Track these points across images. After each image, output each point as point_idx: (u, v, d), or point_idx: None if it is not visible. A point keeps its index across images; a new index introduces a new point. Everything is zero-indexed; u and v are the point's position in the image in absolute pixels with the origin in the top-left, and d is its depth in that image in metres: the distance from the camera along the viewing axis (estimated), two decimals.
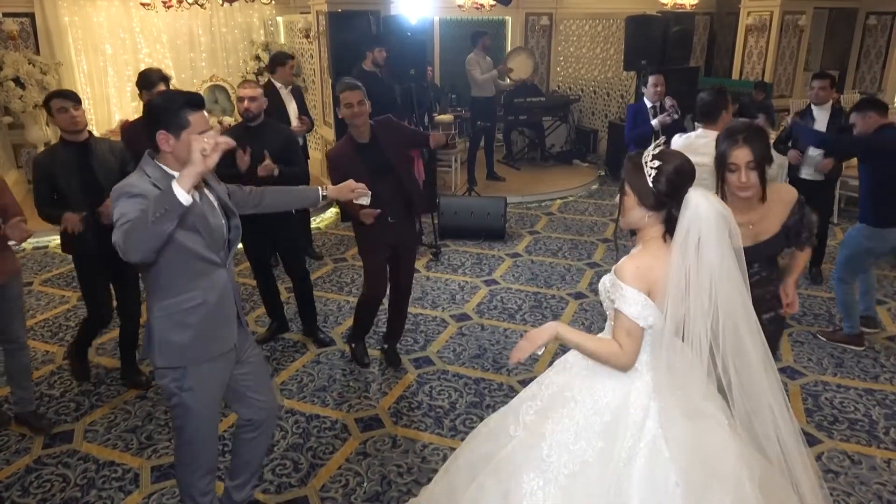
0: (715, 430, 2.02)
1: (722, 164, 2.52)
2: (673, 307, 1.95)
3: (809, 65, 9.88)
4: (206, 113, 2.28)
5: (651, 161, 1.96)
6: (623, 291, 1.98)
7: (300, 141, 5.42)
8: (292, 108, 5.75)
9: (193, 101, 2.24)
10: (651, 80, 5.71)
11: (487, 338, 4.53)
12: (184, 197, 1.99)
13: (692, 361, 2.01)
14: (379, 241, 3.84)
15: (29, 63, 7.23)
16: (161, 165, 2.27)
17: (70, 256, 3.92)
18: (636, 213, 2.02)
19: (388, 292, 4.11)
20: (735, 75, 9.78)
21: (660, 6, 8.73)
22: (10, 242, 3.29)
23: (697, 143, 3.65)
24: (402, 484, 3.12)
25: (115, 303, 3.94)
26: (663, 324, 1.98)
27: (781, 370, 4.07)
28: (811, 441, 3.40)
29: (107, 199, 3.47)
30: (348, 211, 3.63)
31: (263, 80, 8.15)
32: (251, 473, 2.82)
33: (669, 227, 2.00)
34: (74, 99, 3.56)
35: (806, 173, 5.12)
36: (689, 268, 1.93)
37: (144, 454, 3.36)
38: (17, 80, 7.08)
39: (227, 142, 2.07)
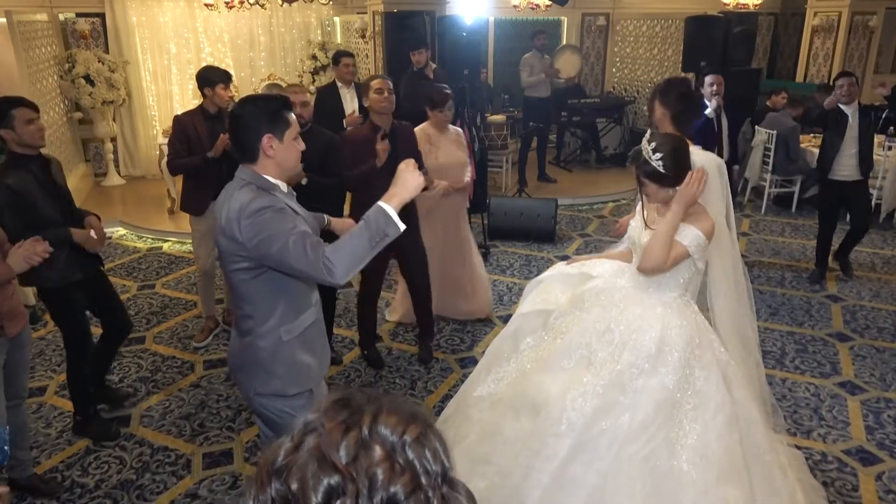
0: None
1: None
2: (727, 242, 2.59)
3: (880, 67, 9.47)
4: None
5: (653, 154, 2.32)
6: (707, 242, 2.42)
7: None
8: (351, 108, 5.70)
9: (288, 103, 2.13)
10: (708, 79, 5.60)
11: None
12: (402, 224, 1.93)
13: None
14: None
15: (99, 61, 7.53)
16: (262, 175, 2.11)
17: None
18: (661, 194, 2.42)
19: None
20: (799, 78, 9.46)
21: (721, 6, 8.50)
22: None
23: None
24: None
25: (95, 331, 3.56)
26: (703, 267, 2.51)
27: (841, 385, 3.93)
28: (871, 460, 3.26)
29: (91, 219, 3.20)
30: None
31: (320, 78, 8.31)
32: None
33: None
34: (37, 109, 3.08)
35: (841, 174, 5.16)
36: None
37: (196, 441, 3.46)
38: (87, 78, 7.39)
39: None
